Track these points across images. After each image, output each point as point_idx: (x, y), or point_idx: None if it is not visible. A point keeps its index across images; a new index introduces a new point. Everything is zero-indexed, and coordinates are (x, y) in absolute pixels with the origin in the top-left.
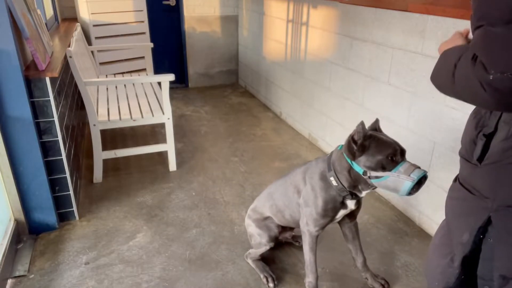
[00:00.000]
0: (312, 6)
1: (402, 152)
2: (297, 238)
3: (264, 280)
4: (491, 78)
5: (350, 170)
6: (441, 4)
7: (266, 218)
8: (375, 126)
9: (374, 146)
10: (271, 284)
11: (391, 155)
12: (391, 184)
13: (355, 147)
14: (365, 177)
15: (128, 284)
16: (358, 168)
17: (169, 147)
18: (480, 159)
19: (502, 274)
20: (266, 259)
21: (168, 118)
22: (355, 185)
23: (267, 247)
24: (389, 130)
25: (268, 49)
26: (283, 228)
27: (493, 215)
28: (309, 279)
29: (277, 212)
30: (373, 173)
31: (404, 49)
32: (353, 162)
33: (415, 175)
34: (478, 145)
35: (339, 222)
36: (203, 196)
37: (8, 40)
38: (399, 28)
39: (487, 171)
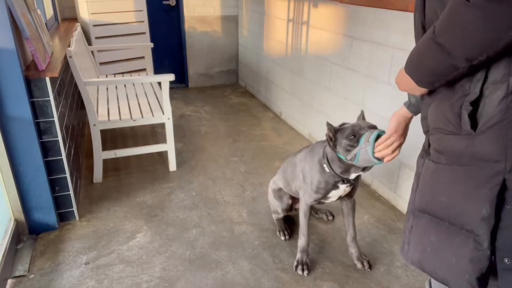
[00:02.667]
0: (312, 6)
1: (365, 127)
2: (317, 211)
3: (278, 233)
4: None
5: (339, 159)
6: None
7: (280, 189)
8: (361, 117)
9: (340, 135)
10: (282, 237)
11: (351, 134)
12: (364, 158)
13: (331, 144)
14: (348, 162)
15: (128, 284)
16: (341, 156)
17: (169, 147)
18: (474, 126)
19: None
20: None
21: (168, 118)
22: (347, 169)
23: (281, 216)
24: None
25: (268, 49)
26: (295, 200)
27: (508, 177)
28: (301, 240)
29: (287, 184)
30: (349, 156)
31: (404, 49)
32: (338, 153)
33: (372, 138)
34: (464, 115)
35: (339, 199)
36: (203, 196)
37: (8, 40)
38: (399, 28)
39: (492, 133)
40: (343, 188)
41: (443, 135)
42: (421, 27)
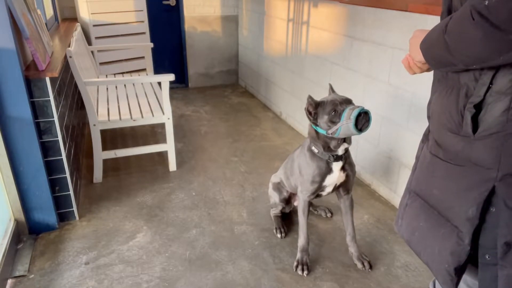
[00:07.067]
0: (312, 6)
1: (343, 102)
2: (316, 208)
3: (274, 231)
4: (486, 3)
5: (318, 134)
6: (441, 4)
7: (279, 182)
8: (331, 91)
9: (321, 110)
10: (278, 235)
11: (332, 110)
12: (345, 132)
13: (311, 117)
14: (329, 135)
15: (128, 284)
16: (321, 130)
17: (169, 147)
18: (474, 130)
19: (506, 241)
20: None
21: (168, 118)
22: (328, 145)
23: (280, 207)
24: (389, 129)
25: (268, 49)
26: (293, 195)
27: (497, 185)
28: (301, 239)
29: (286, 178)
30: (330, 131)
31: (404, 49)
32: (317, 127)
33: (353, 115)
34: (467, 116)
35: (337, 195)
36: (203, 196)
37: (8, 40)
38: (399, 28)
39: (489, 142)
40: (337, 172)
41: (444, 130)
42: (447, 10)
